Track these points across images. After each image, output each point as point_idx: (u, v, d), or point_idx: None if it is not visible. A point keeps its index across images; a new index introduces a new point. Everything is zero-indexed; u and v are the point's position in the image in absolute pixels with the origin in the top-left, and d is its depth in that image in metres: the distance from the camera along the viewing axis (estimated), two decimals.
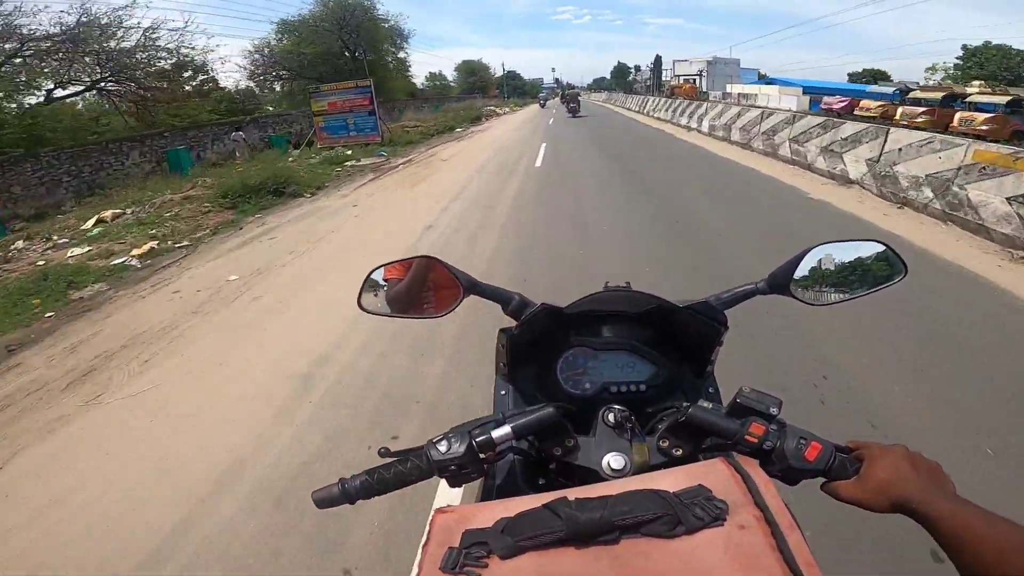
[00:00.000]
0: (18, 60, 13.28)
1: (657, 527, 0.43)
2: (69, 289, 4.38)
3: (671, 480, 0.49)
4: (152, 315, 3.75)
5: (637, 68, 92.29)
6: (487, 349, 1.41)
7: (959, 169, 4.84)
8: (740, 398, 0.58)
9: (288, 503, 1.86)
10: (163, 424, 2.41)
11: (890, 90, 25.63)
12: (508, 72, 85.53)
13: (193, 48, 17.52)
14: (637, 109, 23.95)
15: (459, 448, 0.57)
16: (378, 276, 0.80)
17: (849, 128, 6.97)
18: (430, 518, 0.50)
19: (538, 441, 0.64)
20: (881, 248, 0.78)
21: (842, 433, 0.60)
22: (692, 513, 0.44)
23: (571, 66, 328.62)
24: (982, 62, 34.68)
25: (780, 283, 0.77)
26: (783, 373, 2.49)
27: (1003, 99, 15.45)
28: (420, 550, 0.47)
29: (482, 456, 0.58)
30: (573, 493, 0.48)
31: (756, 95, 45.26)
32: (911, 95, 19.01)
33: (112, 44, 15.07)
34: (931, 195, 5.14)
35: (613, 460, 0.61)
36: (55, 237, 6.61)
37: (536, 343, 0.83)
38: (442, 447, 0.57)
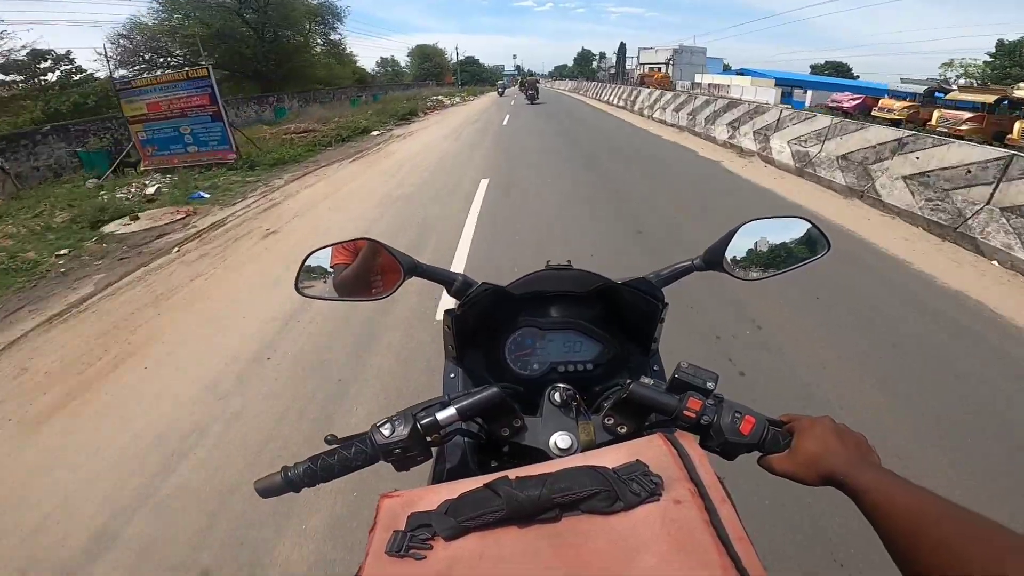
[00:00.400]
0: None
1: (596, 503, 0.44)
2: None
3: (610, 457, 0.49)
4: None
5: (602, 55, 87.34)
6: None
7: None
8: (678, 373, 0.58)
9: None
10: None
11: (913, 88, 21.54)
12: (466, 58, 79.08)
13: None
14: (620, 103, 18.71)
15: (403, 431, 0.56)
16: (316, 260, 0.77)
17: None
18: (377, 503, 0.49)
19: (485, 422, 0.62)
20: (807, 225, 0.79)
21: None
22: (629, 489, 0.44)
23: (533, 53, 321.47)
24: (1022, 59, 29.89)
25: (714, 259, 0.77)
26: None
27: None
28: (368, 535, 0.46)
29: (428, 439, 0.57)
30: (515, 472, 0.48)
31: (728, 86, 41.64)
32: (950, 96, 15.13)
33: None
34: None
35: (560, 439, 0.61)
36: None
37: (483, 324, 0.83)
38: (386, 431, 0.56)
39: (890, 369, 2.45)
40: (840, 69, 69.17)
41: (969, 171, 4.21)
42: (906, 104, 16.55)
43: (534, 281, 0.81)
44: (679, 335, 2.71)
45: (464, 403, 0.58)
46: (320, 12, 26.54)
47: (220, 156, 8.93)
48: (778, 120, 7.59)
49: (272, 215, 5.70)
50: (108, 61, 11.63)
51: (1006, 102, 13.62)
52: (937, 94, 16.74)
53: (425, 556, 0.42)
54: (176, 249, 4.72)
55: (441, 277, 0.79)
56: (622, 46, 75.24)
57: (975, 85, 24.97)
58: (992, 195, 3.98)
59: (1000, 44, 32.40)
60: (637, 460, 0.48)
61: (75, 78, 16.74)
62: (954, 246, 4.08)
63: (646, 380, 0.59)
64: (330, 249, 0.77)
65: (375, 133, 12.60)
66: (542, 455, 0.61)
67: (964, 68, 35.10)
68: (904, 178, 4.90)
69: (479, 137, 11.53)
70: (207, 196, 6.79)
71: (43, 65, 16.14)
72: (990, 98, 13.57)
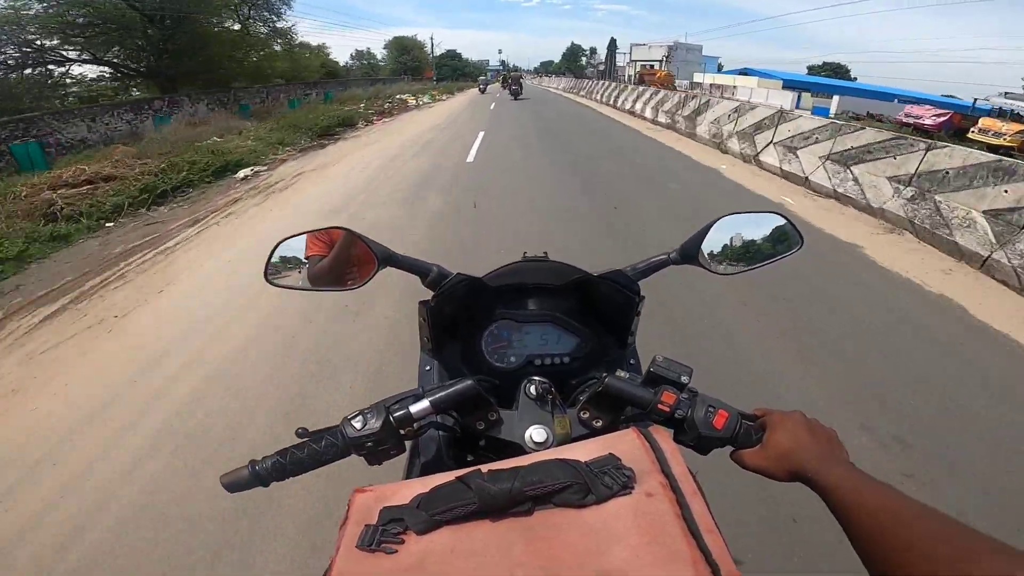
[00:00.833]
0: None
1: (568, 496, 0.43)
2: None
3: (584, 450, 0.49)
4: None
5: (592, 51, 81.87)
6: None
7: None
8: (653, 367, 0.57)
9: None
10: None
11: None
12: (447, 52, 73.26)
13: None
14: (636, 110, 13.48)
15: (375, 424, 0.54)
16: (287, 249, 0.73)
17: None
18: (349, 498, 0.48)
19: (460, 415, 0.61)
20: (782, 221, 0.79)
21: None
22: (602, 482, 0.44)
23: (518, 50, 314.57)
24: None
25: (690, 253, 0.76)
26: None
27: None
28: (338, 530, 0.45)
29: (401, 432, 0.56)
30: (487, 466, 0.47)
31: (734, 87, 37.18)
32: None
33: None
34: None
35: (535, 433, 0.59)
36: None
37: (459, 316, 0.81)
38: (357, 423, 0.55)
39: None
40: (839, 71, 65.57)
41: None
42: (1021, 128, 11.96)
43: (510, 273, 0.80)
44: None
45: (438, 395, 0.56)
46: None
47: None
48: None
49: None
50: None
51: None
52: None
53: (397, 550, 0.42)
54: None
55: (416, 268, 0.76)
56: (612, 42, 70.33)
57: None
58: None
59: None
60: (610, 453, 0.47)
61: None
62: None
63: (621, 374, 0.58)
64: (303, 237, 0.74)
65: (241, 175, 7.11)
66: (517, 449, 0.59)
67: None
68: None
69: (423, 188, 5.96)
70: None
71: None
72: None
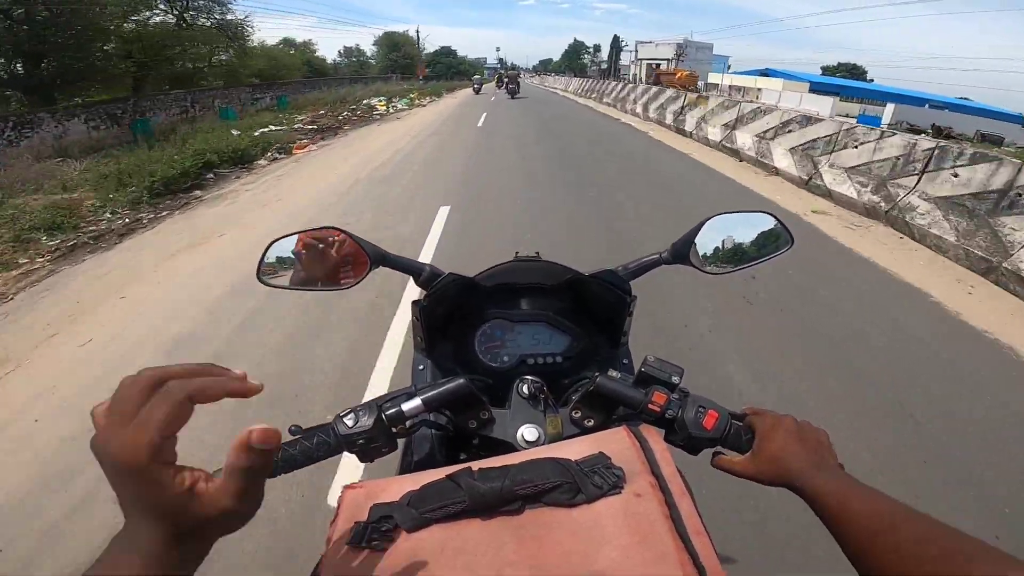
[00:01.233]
0: None
1: (558, 496, 0.43)
2: None
3: (574, 449, 0.49)
4: None
5: (596, 48, 76.96)
6: None
7: None
8: (644, 367, 0.57)
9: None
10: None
11: None
12: (441, 48, 68.48)
13: None
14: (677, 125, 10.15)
15: (367, 422, 0.54)
16: (279, 248, 0.72)
17: None
18: (339, 494, 0.48)
19: (452, 414, 0.60)
20: (772, 220, 0.78)
21: None
22: (591, 481, 0.44)
23: (516, 48, 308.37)
24: None
25: (681, 253, 0.76)
26: None
27: None
28: (329, 526, 0.45)
29: (393, 430, 0.55)
30: (477, 464, 0.47)
31: (757, 89, 32.80)
32: None
33: None
34: None
35: (527, 432, 0.59)
36: None
37: (453, 316, 0.81)
38: (349, 421, 0.54)
39: None
40: (855, 72, 61.26)
41: None
42: None
43: (502, 273, 0.79)
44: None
45: (430, 394, 0.55)
46: None
47: None
48: None
49: None
50: None
51: None
52: None
53: (387, 548, 0.41)
54: None
55: (409, 268, 0.75)
56: (615, 39, 65.79)
57: None
58: None
59: None
60: (600, 452, 0.47)
61: None
62: None
63: (613, 373, 0.58)
64: (295, 237, 0.71)
65: None
66: (509, 447, 0.58)
67: None
68: None
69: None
70: None
71: None
72: None
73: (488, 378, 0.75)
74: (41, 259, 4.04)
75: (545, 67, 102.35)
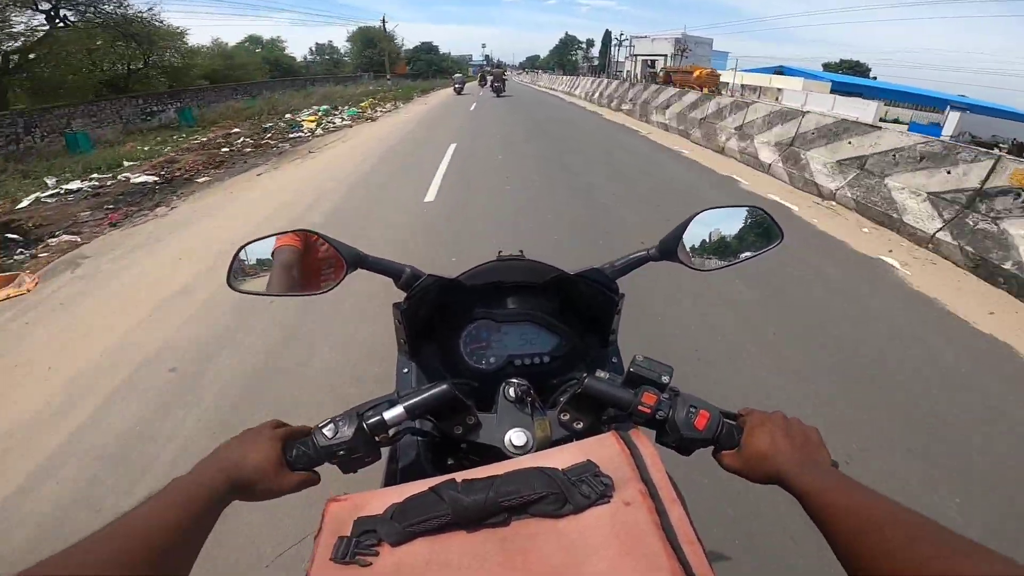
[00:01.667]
0: None
1: (545, 507, 0.42)
2: None
3: (562, 457, 0.48)
4: None
5: (590, 43, 72.27)
6: None
7: None
8: (633, 367, 0.56)
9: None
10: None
11: None
12: (421, 44, 63.50)
13: None
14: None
15: (347, 432, 0.52)
16: (252, 252, 0.70)
17: None
18: (323, 508, 0.48)
19: (437, 420, 0.58)
20: (761, 215, 0.77)
21: None
22: (579, 491, 0.43)
23: (503, 45, 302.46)
24: None
25: (669, 249, 0.74)
26: None
27: None
28: (313, 541, 0.45)
29: (376, 439, 0.54)
30: (462, 475, 0.47)
31: (776, 89, 28.68)
32: None
33: None
34: None
35: (515, 436, 0.57)
36: None
37: (437, 317, 0.81)
38: (328, 432, 0.53)
39: None
40: (858, 69, 57.77)
41: None
42: None
43: (485, 273, 0.78)
44: None
45: (413, 401, 0.54)
46: None
47: None
48: None
49: None
50: None
51: None
52: None
53: (371, 563, 0.41)
54: None
55: (388, 269, 0.73)
56: (607, 34, 61.55)
57: None
58: None
59: None
60: (588, 460, 0.47)
61: None
62: None
63: (601, 374, 0.57)
64: (269, 240, 0.70)
65: None
66: (498, 452, 0.57)
67: None
68: None
69: None
70: None
71: None
72: None
73: (474, 381, 0.75)
74: None
75: (532, 64, 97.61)
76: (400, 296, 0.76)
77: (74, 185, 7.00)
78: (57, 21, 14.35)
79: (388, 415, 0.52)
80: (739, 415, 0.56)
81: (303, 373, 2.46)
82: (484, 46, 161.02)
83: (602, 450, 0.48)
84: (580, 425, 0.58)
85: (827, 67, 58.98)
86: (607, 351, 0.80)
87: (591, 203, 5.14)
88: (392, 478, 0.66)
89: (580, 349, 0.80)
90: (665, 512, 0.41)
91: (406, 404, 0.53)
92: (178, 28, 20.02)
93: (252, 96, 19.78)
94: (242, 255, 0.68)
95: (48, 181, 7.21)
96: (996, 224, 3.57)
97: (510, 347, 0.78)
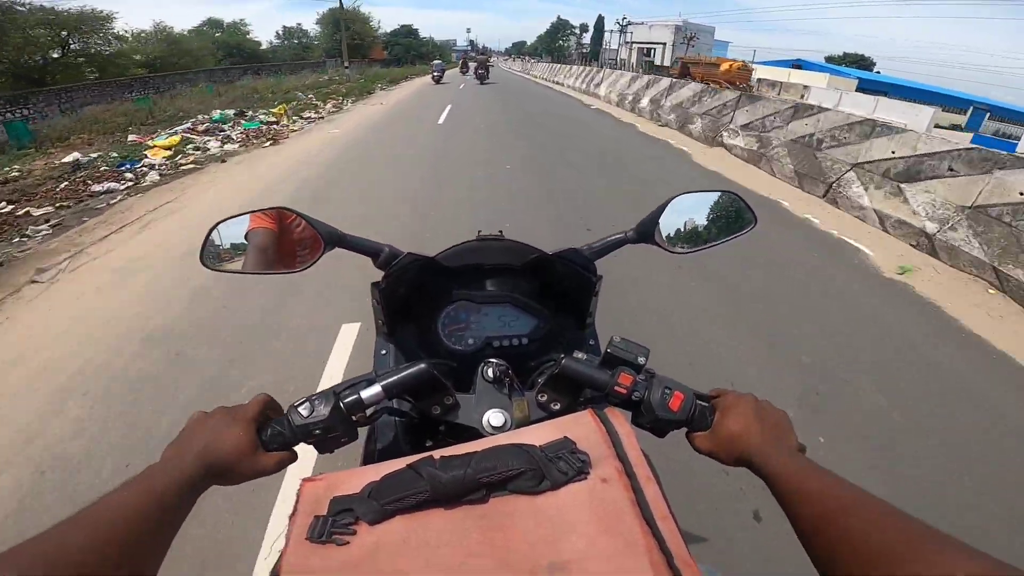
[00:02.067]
0: None
1: (523, 483, 0.43)
2: None
3: (539, 434, 0.49)
4: None
5: (583, 28, 67.32)
6: None
7: None
8: (610, 348, 0.56)
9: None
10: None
11: None
12: (400, 27, 58.24)
13: None
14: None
15: (323, 411, 0.51)
16: (226, 229, 0.68)
17: None
18: (297, 488, 0.47)
19: (415, 400, 0.59)
20: (735, 199, 0.79)
21: None
22: (556, 467, 0.43)
23: (489, 30, 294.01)
24: None
25: (646, 232, 0.76)
26: None
27: None
28: (287, 521, 0.44)
29: (353, 419, 0.54)
30: (439, 452, 0.47)
31: (802, 87, 24.83)
32: None
33: None
34: None
35: (493, 417, 0.58)
36: None
37: (416, 298, 0.80)
38: (304, 410, 0.52)
39: None
40: (863, 63, 54.71)
41: None
42: None
43: (465, 252, 0.77)
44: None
45: (390, 380, 0.53)
46: None
47: None
48: None
49: None
50: None
51: None
52: None
53: (348, 542, 0.40)
54: None
55: (366, 248, 0.73)
56: (600, 20, 57.21)
57: None
58: None
59: None
60: (565, 437, 0.47)
61: None
62: None
63: (579, 355, 0.57)
64: (243, 217, 0.69)
65: None
66: (475, 433, 0.58)
67: None
68: None
69: None
70: None
71: None
72: None
73: (452, 361, 0.74)
74: None
75: (519, 50, 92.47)
76: (378, 276, 0.76)
77: None
78: None
79: (365, 394, 0.52)
80: (712, 396, 0.57)
81: None
82: (469, 31, 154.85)
83: (578, 428, 0.49)
84: (557, 406, 0.59)
85: (829, 60, 55.78)
86: (585, 333, 0.82)
87: None
88: (370, 459, 0.66)
89: (558, 331, 0.82)
90: (641, 489, 0.42)
91: (384, 383, 0.53)
92: (102, 11, 17.85)
93: (144, 95, 15.13)
94: (213, 235, 0.67)
95: None
96: None
97: (488, 329, 0.79)
